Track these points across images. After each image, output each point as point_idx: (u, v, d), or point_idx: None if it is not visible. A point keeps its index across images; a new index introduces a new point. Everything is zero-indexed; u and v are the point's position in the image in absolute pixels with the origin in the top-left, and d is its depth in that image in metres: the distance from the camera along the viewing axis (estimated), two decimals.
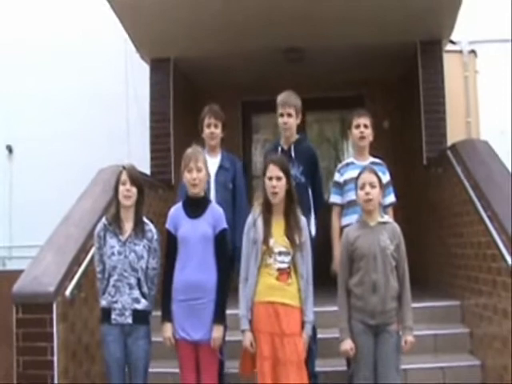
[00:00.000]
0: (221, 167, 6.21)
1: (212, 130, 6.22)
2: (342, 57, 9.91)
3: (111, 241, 5.24)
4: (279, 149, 6.12)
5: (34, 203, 10.44)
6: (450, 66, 10.11)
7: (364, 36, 9.01)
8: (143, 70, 9.88)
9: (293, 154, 6.05)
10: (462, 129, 10.58)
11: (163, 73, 9.71)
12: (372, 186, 5.14)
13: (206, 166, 5.30)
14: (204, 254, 5.12)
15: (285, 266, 5.00)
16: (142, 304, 5.19)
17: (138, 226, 5.30)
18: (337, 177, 6.24)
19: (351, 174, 5.89)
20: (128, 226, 5.30)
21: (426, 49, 9.48)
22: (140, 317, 5.17)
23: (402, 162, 10.44)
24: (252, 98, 11.30)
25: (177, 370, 5.28)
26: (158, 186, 8.51)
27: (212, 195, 6.04)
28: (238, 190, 6.27)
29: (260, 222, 5.08)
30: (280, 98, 6.13)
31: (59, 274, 5.70)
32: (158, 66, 9.76)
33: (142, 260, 5.23)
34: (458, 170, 7.33)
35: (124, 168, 5.32)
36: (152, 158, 9.49)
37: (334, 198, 6.19)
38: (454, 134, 9.35)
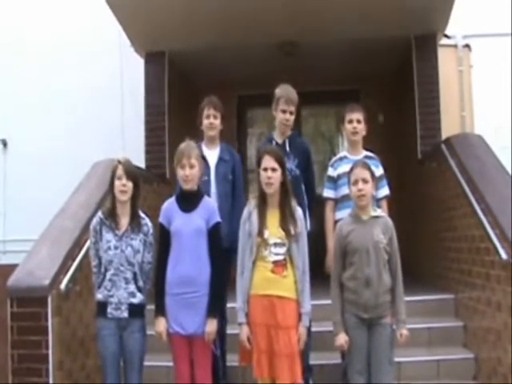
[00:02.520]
0: (220, 159, 6.24)
1: (211, 120, 6.22)
2: (336, 51, 9.93)
3: (107, 235, 5.23)
4: (273, 143, 6.10)
5: (28, 197, 10.42)
6: (445, 60, 10.11)
7: (358, 30, 9.01)
8: (138, 64, 9.86)
9: (287, 148, 6.06)
10: (457, 123, 10.59)
11: (158, 66, 9.70)
12: (365, 181, 5.15)
13: (199, 161, 5.30)
14: (197, 248, 5.13)
15: (280, 258, 5.01)
16: (138, 298, 5.20)
17: (135, 221, 5.30)
18: (330, 171, 6.24)
19: (344, 168, 5.88)
20: (124, 220, 5.30)
21: (421, 43, 9.47)
22: (136, 311, 5.18)
23: (397, 156, 10.47)
24: (247, 92, 11.33)
25: (171, 364, 5.30)
26: (152, 180, 8.51)
27: (212, 187, 6.11)
28: (237, 181, 6.31)
29: (255, 215, 5.10)
30: (282, 92, 6.09)
31: (54, 267, 5.70)
32: (152, 60, 9.74)
33: (139, 254, 5.24)
34: (452, 163, 7.35)
35: (119, 162, 5.32)
36: (147, 152, 9.48)
37: (328, 193, 6.19)
38: (449, 128, 9.37)
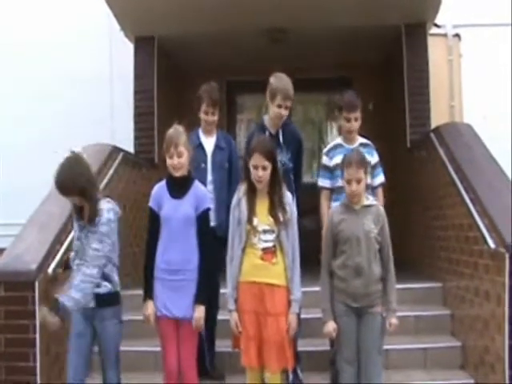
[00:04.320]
0: (217, 147, 6.30)
1: (209, 117, 6.29)
2: (326, 38, 9.90)
3: (75, 225, 5.07)
4: (266, 133, 5.98)
5: (16, 182, 10.36)
6: (435, 49, 10.12)
7: (348, 18, 8.99)
8: (128, 49, 9.82)
9: (281, 139, 5.99)
10: (446, 112, 10.62)
11: (147, 51, 9.66)
12: (358, 182, 5.09)
13: (187, 148, 5.21)
14: (187, 235, 5.11)
15: (269, 244, 5.01)
16: (104, 288, 4.95)
17: (93, 219, 4.93)
18: (326, 160, 6.14)
19: (341, 158, 5.74)
20: (87, 211, 4.98)
21: (411, 32, 9.47)
22: (103, 300, 4.95)
23: (386, 144, 10.40)
24: (237, 78, 11.26)
25: (158, 349, 5.28)
26: (141, 165, 8.49)
27: (209, 175, 6.18)
28: (234, 169, 6.33)
29: (244, 202, 5.08)
30: (280, 86, 5.92)
31: (42, 251, 5.69)
32: (142, 45, 9.70)
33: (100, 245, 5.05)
34: (441, 152, 7.36)
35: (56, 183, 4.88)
36: (136, 137, 9.43)
37: (323, 182, 6.12)
38: (438, 117, 9.38)
